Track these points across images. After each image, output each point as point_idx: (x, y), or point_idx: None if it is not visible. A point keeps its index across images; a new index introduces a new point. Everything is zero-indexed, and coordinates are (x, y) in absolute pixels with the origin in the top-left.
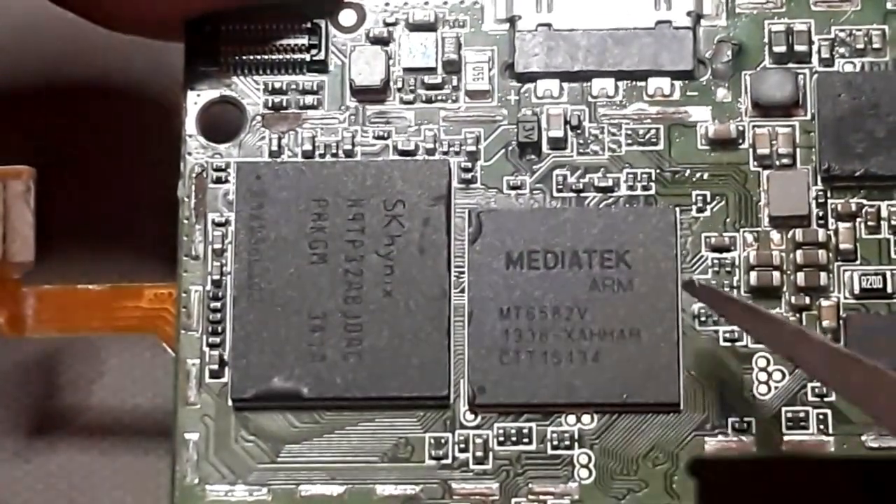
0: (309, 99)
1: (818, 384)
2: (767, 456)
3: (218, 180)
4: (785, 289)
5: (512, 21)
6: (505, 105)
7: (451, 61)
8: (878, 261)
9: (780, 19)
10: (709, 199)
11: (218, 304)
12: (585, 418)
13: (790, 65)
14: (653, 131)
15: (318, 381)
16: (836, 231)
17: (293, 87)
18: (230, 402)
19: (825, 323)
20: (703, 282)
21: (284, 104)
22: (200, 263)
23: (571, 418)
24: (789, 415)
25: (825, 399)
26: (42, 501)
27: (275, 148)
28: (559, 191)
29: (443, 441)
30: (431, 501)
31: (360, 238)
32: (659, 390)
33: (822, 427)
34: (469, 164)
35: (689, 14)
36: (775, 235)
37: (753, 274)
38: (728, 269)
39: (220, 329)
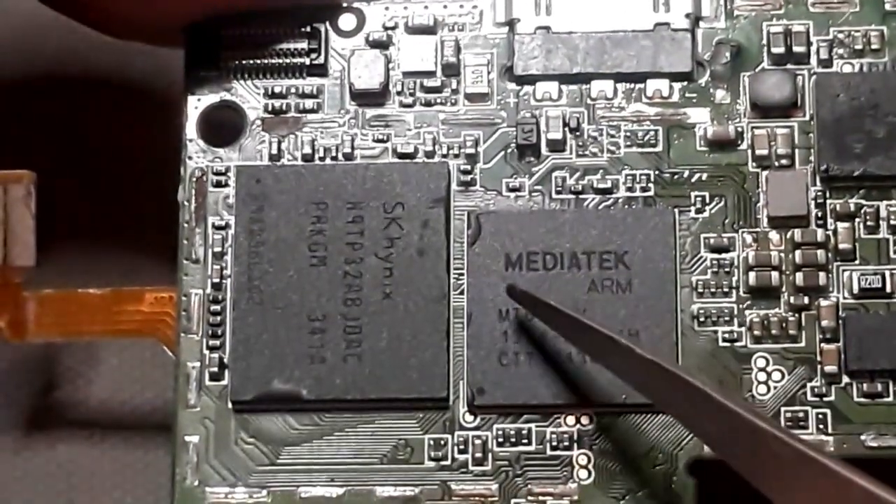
0: (309, 103)
1: (817, 384)
2: None
3: (218, 184)
4: (784, 289)
5: (511, 24)
6: (504, 108)
7: (450, 64)
8: (876, 261)
9: (778, 20)
10: (708, 199)
11: (218, 307)
12: (584, 419)
13: (789, 66)
14: (651, 133)
15: (318, 382)
16: (834, 231)
17: (293, 91)
18: (230, 405)
19: (824, 323)
20: (522, 287)
21: (284, 108)
22: (201, 267)
23: (570, 419)
24: (788, 415)
25: (824, 399)
26: (41, 501)
27: (274, 151)
28: (558, 192)
29: (442, 442)
30: (431, 503)
31: (360, 240)
32: None
33: (821, 427)
34: (468, 167)
35: (687, 16)
36: (774, 236)
37: (752, 274)
38: (727, 269)
39: (220, 332)
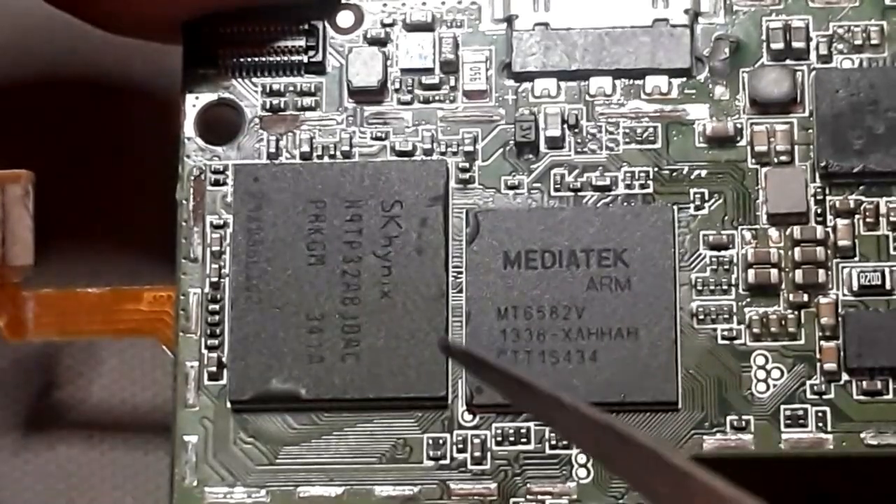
0: (307, 100)
1: (816, 382)
2: (766, 454)
3: (216, 182)
4: (783, 286)
5: (509, 20)
6: (502, 105)
7: (448, 61)
8: (876, 257)
9: (777, 16)
10: (707, 196)
11: (216, 307)
12: None
13: (788, 62)
14: (650, 130)
15: (317, 382)
16: (834, 228)
17: (291, 88)
18: (229, 405)
19: (823, 320)
20: (456, 343)
21: (282, 106)
22: (199, 266)
23: None
24: (788, 413)
25: (824, 397)
26: (41, 501)
27: (273, 150)
28: (557, 190)
29: (441, 441)
30: (430, 502)
31: (358, 239)
32: (657, 389)
33: (820, 425)
34: (467, 164)
35: (686, 12)
36: (773, 233)
37: (751, 272)
38: (726, 266)
39: (218, 331)
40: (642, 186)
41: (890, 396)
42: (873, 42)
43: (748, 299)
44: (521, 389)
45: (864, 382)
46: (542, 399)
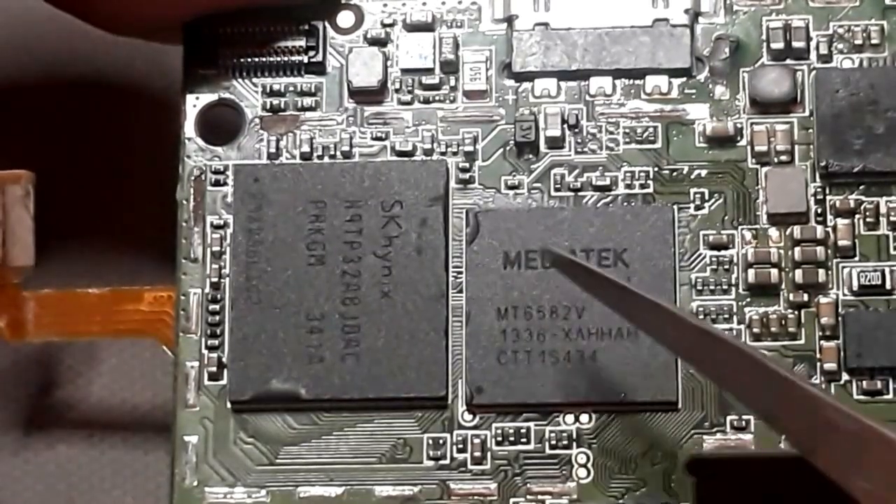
0: (307, 101)
1: (816, 381)
2: (766, 454)
3: (216, 183)
4: (783, 286)
5: (509, 21)
6: (503, 105)
7: (448, 61)
8: (876, 257)
9: (778, 16)
10: (707, 196)
11: (216, 307)
12: (583, 417)
13: (788, 61)
14: (650, 129)
15: (317, 382)
16: (834, 228)
17: (291, 89)
18: (229, 405)
19: (823, 320)
20: (559, 251)
21: (283, 106)
22: (199, 266)
23: (569, 418)
24: None
25: None
26: (41, 501)
27: (273, 150)
28: (557, 190)
29: (441, 441)
30: (430, 502)
31: (358, 239)
32: (657, 389)
33: None
34: (467, 165)
35: (686, 12)
36: (773, 232)
37: (752, 271)
38: (726, 266)
39: (218, 331)
40: (642, 186)
41: (890, 396)
42: (873, 42)
43: (748, 299)
44: (622, 296)
45: (864, 382)
46: (641, 306)
